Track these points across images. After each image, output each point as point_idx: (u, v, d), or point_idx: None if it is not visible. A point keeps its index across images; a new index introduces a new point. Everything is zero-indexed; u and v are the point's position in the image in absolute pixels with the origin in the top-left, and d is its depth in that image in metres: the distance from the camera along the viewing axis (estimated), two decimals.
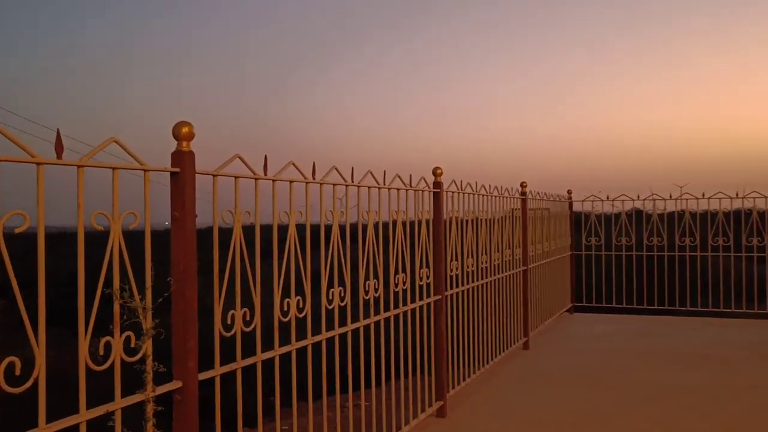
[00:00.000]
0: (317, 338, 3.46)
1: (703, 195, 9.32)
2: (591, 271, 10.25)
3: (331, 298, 3.53)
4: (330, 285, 3.53)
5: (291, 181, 3.24)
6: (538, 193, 8.05)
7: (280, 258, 3.12)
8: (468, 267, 5.56)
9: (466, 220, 5.57)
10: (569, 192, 10.03)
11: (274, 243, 3.12)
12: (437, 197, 4.92)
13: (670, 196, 9.49)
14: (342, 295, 3.64)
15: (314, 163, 3.40)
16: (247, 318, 2.86)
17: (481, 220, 5.99)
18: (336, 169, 3.57)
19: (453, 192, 5.25)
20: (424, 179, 4.69)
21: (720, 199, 9.23)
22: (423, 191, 4.71)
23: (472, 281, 5.71)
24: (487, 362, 6.16)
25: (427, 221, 4.82)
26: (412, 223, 4.61)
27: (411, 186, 4.48)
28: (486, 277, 6.08)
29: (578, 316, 9.82)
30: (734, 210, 9.22)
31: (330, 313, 3.58)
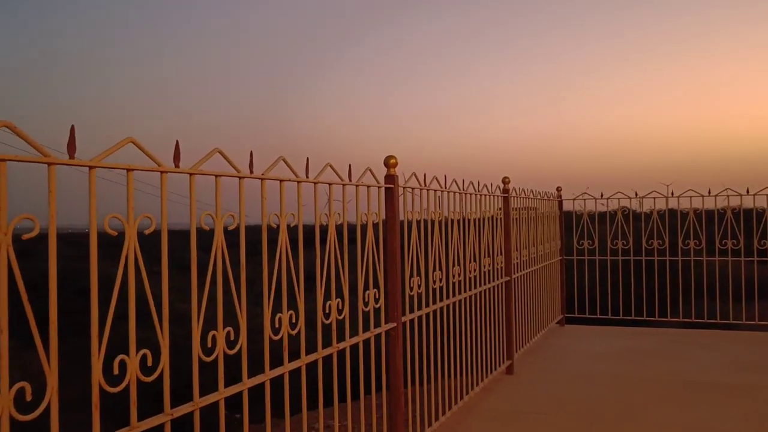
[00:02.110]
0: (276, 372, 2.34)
1: (709, 192, 8.27)
2: (584, 277, 9.16)
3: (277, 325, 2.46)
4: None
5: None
6: (524, 190, 6.95)
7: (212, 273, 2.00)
8: (435, 283, 4.45)
9: (434, 223, 4.46)
10: (558, 189, 8.94)
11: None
12: (390, 195, 3.80)
13: (672, 194, 8.42)
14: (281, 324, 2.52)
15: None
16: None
17: (454, 223, 4.88)
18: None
19: (413, 188, 4.13)
20: (370, 171, 3.56)
21: (728, 196, 8.18)
22: (370, 187, 3.59)
23: (441, 300, 4.60)
24: (464, 395, 5.05)
25: (380, 225, 3.71)
26: (364, 227, 3.50)
27: (350, 180, 3.35)
28: (460, 293, 4.97)
29: (570, 328, 8.73)
30: (744, 209, 8.17)
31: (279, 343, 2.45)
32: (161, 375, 2.18)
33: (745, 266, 8.17)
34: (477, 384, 5.37)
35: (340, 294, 3.20)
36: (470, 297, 5.21)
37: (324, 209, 3.19)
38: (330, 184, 3.16)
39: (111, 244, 2.19)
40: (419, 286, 4.16)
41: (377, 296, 3.60)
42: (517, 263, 6.63)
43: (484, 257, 5.59)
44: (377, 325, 3.63)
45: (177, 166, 2.24)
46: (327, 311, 3.10)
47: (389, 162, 3.80)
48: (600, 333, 8.35)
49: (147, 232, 2.10)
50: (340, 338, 3.22)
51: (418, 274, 4.17)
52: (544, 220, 7.89)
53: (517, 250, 6.61)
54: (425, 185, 4.30)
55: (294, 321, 2.84)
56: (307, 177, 2.96)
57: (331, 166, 3.15)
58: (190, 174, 2.31)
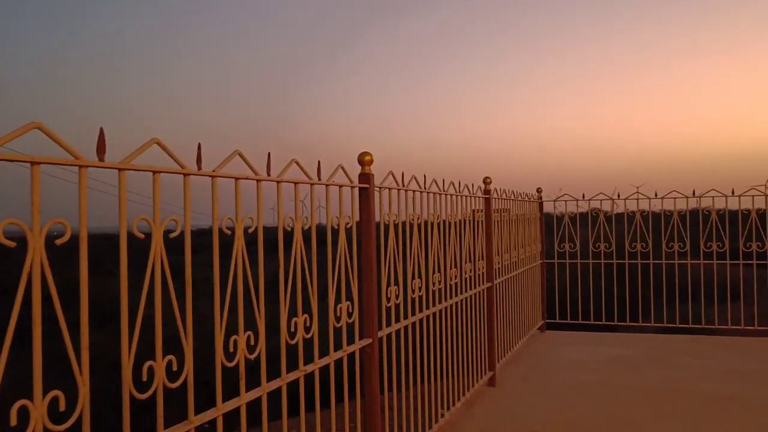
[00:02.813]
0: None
1: (694, 193, 8.02)
2: (565, 281, 8.86)
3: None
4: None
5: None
6: (505, 191, 6.61)
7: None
8: (414, 292, 4.06)
9: (413, 226, 4.07)
10: (539, 190, 8.63)
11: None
12: (365, 196, 3.40)
13: (656, 195, 8.15)
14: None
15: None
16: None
17: (434, 225, 4.50)
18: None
19: (390, 189, 3.74)
20: (342, 169, 3.16)
21: (713, 197, 7.93)
22: (342, 187, 3.18)
23: (421, 311, 4.21)
24: (444, 413, 4.67)
25: (354, 229, 3.31)
26: (336, 232, 3.09)
27: (319, 179, 2.95)
28: (440, 302, 4.59)
29: (551, 334, 8.41)
30: (729, 211, 7.93)
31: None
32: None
33: (731, 269, 7.93)
34: (458, 399, 4.99)
35: (307, 309, 2.79)
36: (451, 306, 4.84)
37: (292, 212, 2.79)
38: (296, 183, 2.75)
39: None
40: (397, 297, 3.77)
41: (350, 310, 3.20)
42: (499, 268, 6.28)
43: (466, 262, 5.22)
44: (351, 341, 3.23)
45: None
46: (292, 329, 2.69)
47: (364, 159, 3.40)
48: (583, 339, 8.04)
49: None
50: (308, 359, 2.81)
51: (396, 283, 3.77)
52: (525, 222, 7.56)
53: (498, 254, 6.26)
54: (403, 185, 3.91)
55: (253, 343, 2.42)
56: (269, 175, 2.55)
57: (297, 163, 2.74)
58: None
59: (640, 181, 8.88)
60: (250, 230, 2.43)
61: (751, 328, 7.87)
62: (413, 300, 4.06)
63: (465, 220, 5.27)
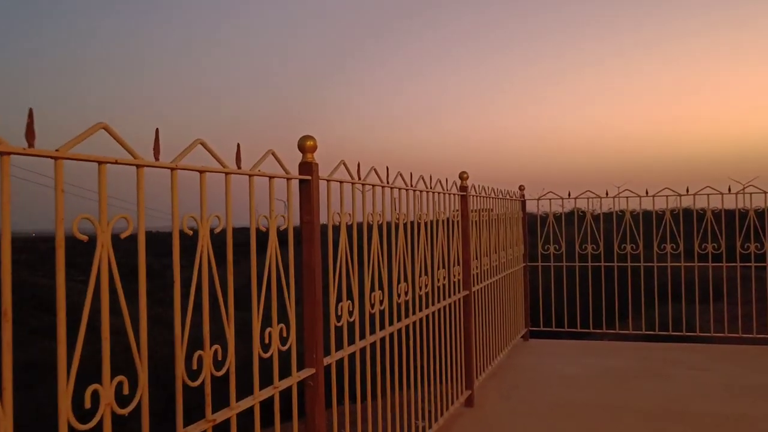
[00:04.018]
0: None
1: (687, 190, 7.44)
2: (549, 286, 8.25)
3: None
4: None
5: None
6: (484, 188, 5.96)
7: None
8: (374, 307, 3.40)
9: (371, 228, 3.41)
10: (521, 188, 8.00)
11: None
12: (307, 190, 2.73)
13: (646, 193, 7.56)
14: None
15: None
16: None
17: (400, 227, 3.84)
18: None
19: (342, 182, 3.07)
20: (273, 155, 2.48)
21: (708, 195, 7.36)
22: (273, 178, 2.50)
23: (382, 328, 3.55)
24: None
25: (295, 233, 2.64)
26: (265, 236, 2.43)
27: (238, 167, 2.27)
28: (407, 317, 3.93)
29: (535, 343, 7.78)
30: (726, 209, 7.36)
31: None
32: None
33: (727, 272, 7.37)
34: (430, 426, 4.34)
35: (219, 338, 2.12)
36: (421, 319, 4.18)
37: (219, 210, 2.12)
38: (201, 172, 2.07)
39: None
40: (351, 314, 3.10)
41: (285, 333, 2.52)
42: (477, 273, 5.63)
43: (439, 269, 4.57)
44: (285, 374, 2.55)
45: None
46: (195, 368, 2.01)
47: (305, 145, 2.73)
48: (569, 349, 7.42)
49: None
50: (217, 405, 2.13)
51: (350, 297, 3.11)
52: (507, 222, 6.93)
53: (477, 258, 5.62)
54: (359, 178, 3.24)
55: (129, 392, 1.74)
56: (157, 159, 1.87)
57: (203, 145, 2.07)
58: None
59: (628, 181, 8.27)
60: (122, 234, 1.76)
61: (749, 336, 7.31)
62: (372, 316, 3.40)
63: (438, 221, 4.62)
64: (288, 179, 2.59)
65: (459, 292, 5.09)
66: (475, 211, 5.66)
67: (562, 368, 6.44)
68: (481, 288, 5.77)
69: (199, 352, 2.02)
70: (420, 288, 4.15)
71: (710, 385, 5.69)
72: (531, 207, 8.10)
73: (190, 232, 1.99)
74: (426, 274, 4.26)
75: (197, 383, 1.99)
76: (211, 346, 2.07)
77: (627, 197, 7.60)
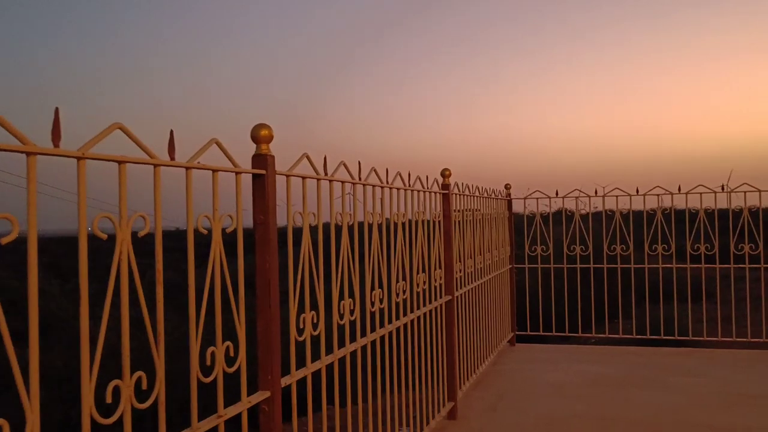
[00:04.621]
0: None
1: (679, 189, 7.16)
2: (537, 289, 7.95)
3: None
4: None
5: None
6: (468, 186, 5.64)
7: None
8: (344, 317, 3.05)
9: (340, 228, 3.07)
10: (507, 187, 7.69)
11: None
12: (261, 186, 2.37)
13: (637, 191, 7.27)
14: None
15: None
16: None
17: (373, 227, 3.50)
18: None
19: (306, 177, 2.72)
20: (218, 144, 2.13)
21: (701, 193, 7.08)
22: (216, 172, 2.15)
23: (353, 341, 3.21)
24: None
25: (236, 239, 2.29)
26: (206, 240, 2.08)
27: (171, 158, 1.91)
28: (382, 327, 3.60)
29: (522, 348, 7.47)
30: (719, 209, 7.09)
31: None
32: None
33: (720, 273, 7.09)
34: None
35: (143, 363, 1.76)
36: (398, 328, 3.84)
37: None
38: (120, 162, 1.71)
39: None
40: (315, 326, 2.75)
41: (232, 353, 2.17)
42: (461, 277, 5.30)
43: (418, 273, 4.23)
44: (233, 399, 2.20)
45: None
46: (110, 401, 1.65)
47: (259, 134, 2.37)
48: (558, 354, 7.11)
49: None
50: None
51: (315, 307, 2.76)
52: (492, 222, 6.61)
53: (460, 260, 5.29)
54: (325, 174, 2.89)
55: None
56: (56, 145, 1.51)
57: (122, 129, 1.71)
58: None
59: (618, 180, 7.95)
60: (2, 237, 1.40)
61: (743, 340, 7.04)
62: (341, 327, 3.05)
63: (418, 221, 4.28)
64: (237, 173, 2.23)
65: (441, 297, 4.76)
66: (459, 211, 5.34)
67: (550, 376, 6.13)
68: (466, 292, 5.44)
69: (116, 381, 1.66)
70: (397, 294, 3.81)
71: (705, 394, 5.39)
72: (518, 207, 7.80)
73: (104, 236, 1.64)
74: (404, 279, 3.92)
75: (113, 419, 1.64)
76: (133, 373, 1.72)
77: (617, 196, 7.31)
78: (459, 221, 5.31)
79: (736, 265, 6.99)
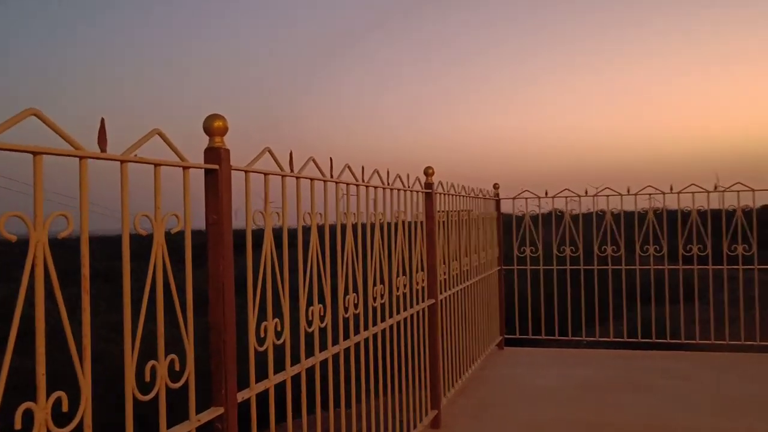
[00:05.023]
0: None
1: (671, 189, 6.99)
2: (526, 291, 7.76)
3: None
4: None
5: None
6: (453, 186, 5.44)
7: None
8: (312, 326, 2.84)
9: (308, 229, 2.87)
10: (496, 187, 7.50)
11: None
12: (214, 182, 2.17)
13: (628, 191, 7.10)
14: None
15: None
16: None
17: (347, 228, 3.31)
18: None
19: (269, 174, 2.52)
20: (159, 135, 1.92)
21: (693, 193, 6.91)
22: (159, 166, 1.94)
23: (324, 348, 3.01)
24: None
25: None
26: (143, 245, 1.88)
27: (103, 152, 1.70)
28: (357, 334, 3.40)
29: (511, 352, 7.28)
30: (711, 209, 6.92)
31: None
32: None
33: (714, 275, 6.92)
34: None
35: (47, 385, 1.55)
36: (375, 335, 3.64)
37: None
38: (36, 154, 1.50)
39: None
40: (280, 334, 2.54)
41: (179, 367, 1.96)
42: (446, 279, 5.11)
43: (398, 276, 4.03)
44: (179, 418, 1.99)
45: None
46: (19, 426, 1.44)
47: (212, 126, 2.17)
48: (546, 358, 6.93)
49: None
50: None
51: (278, 314, 2.55)
52: (480, 223, 6.41)
53: (445, 263, 5.10)
54: (291, 170, 2.69)
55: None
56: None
57: (38, 116, 1.50)
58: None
59: (608, 181, 7.78)
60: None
61: (737, 343, 6.87)
62: (311, 335, 2.85)
63: (398, 222, 4.09)
64: (185, 168, 2.03)
65: (423, 301, 4.56)
66: (444, 211, 5.15)
67: (538, 380, 5.94)
68: (451, 295, 5.25)
69: (27, 404, 1.45)
70: (374, 299, 3.61)
71: (696, 398, 5.21)
72: (507, 207, 7.61)
73: (13, 237, 1.43)
74: (382, 282, 3.72)
75: None
76: (51, 392, 1.51)
77: (607, 196, 7.14)
78: (444, 222, 5.12)
79: (728, 267, 6.83)
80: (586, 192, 7.22)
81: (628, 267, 7.16)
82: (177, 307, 1.96)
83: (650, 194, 6.97)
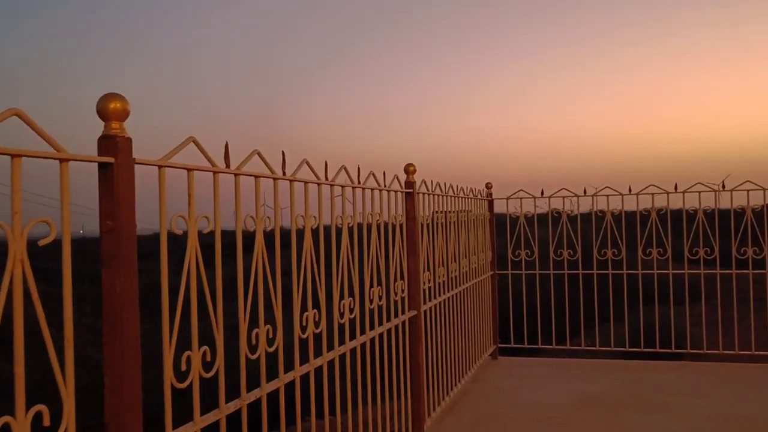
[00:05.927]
0: None
1: (676, 188, 6.54)
2: (521, 297, 7.30)
3: None
4: None
5: None
6: (440, 185, 4.99)
7: None
8: (256, 351, 2.39)
9: (252, 234, 2.42)
10: (488, 186, 7.04)
11: None
12: (108, 179, 1.72)
13: (630, 190, 6.65)
14: None
15: None
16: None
17: (306, 232, 2.85)
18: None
19: (192, 170, 2.07)
20: (20, 114, 1.47)
21: (699, 192, 6.46)
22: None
23: (291, 369, 2.55)
24: None
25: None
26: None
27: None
28: (326, 353, 2.94)
29: (505, 362, 6.83)
30: (720, 209, 6.47)
31: None
32: None
33: (722, 280, 6.47)
34: None
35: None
36: (342, 355, 3.19)
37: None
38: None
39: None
40: (210, 366, 2.09)
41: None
42: (430, 287, 4.66)
43: (372, 286, 3.58)
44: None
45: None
46: None
47: (107, 108, 1.71)
48: (543, 369, 6.46)
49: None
50: None
51: (209, 340, 2.10)
52: (471, 225, 5.96)
53: (430, 269, 4.64)
54: (227, 166, 2.24)
55: None
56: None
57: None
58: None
59: (608, 181, 7.30)
60: None
61: (747, 353, 6.42)
62: (255, 362, 2.39)
63: (372, 224, 3.63)
64: (62, 161, 1.57)
65: (403, 313, 4.10)
66: (430, 213, 4.70)
67: (533, 395, 5.48)
68: (437, 304, 4.79)
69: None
70: (341, 314, 3.15)
71: (708, 419, 4.76)
72: (500, 208, 7.16)
73: None
74: (351, 295, 3.27)
75: None
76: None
77: (608, 195, 6.68)
78: (428, 224, 4.67)
79: (738, 271, 6.37)
80: (585, 191, 6.77)
81: (629, 271, 6.70)
82: (48, 341, 1.52)
83: (653, 194, 6.52)
